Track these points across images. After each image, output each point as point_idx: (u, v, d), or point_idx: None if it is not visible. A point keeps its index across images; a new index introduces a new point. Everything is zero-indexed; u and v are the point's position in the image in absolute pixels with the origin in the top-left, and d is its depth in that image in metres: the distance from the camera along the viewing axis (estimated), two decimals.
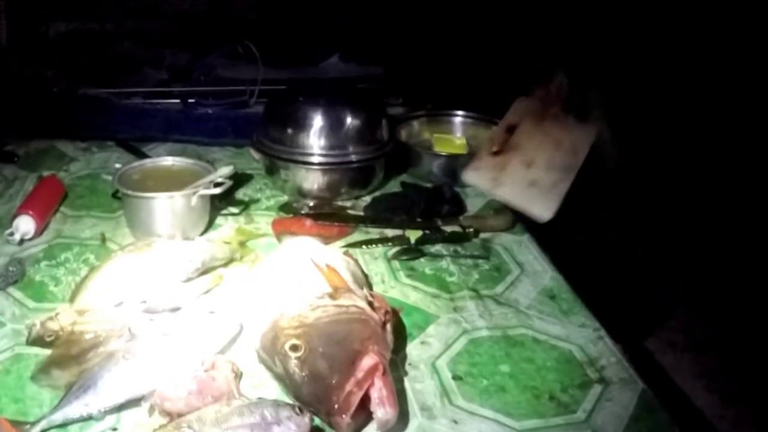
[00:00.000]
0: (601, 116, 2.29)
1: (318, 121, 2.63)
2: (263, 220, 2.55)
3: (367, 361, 1.62)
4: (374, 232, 2.51)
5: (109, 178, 2.39)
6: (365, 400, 1.59)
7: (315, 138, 2.63)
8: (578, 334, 2.04)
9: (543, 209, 2.13)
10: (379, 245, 2.43)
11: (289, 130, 2.65)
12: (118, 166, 2.45)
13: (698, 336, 4.25)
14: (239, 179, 2.72)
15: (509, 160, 2.14)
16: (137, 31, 4.08)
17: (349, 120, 2.67)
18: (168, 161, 2.55)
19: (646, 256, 2.50)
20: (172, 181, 2.39)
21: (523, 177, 2.09)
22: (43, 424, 1.61)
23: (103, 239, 2.41)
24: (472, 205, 2.72)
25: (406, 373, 1.85)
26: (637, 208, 2.41)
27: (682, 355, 4.06)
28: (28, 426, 1.60)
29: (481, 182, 2.12)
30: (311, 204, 2.63)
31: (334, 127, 2.64)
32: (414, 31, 3.83)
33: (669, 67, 2.24)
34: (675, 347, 4.10)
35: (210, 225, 2.49)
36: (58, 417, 1.63)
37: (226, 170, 2.41)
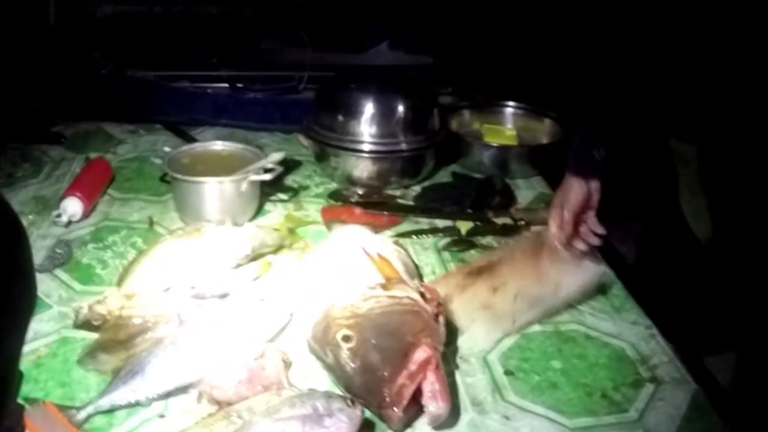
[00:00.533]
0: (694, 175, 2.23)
1: (369, 108, 2.61)
2: (312, 208, 2.54)
3: (420, 353, 1.60)
4: (424, 222, 2.49)
5: (158, 161, 2.38)
6: (417, 393, 1.57)
7: (366, 126, 2.61)
8: (630, 331, 2.01)
9: (479, 335, 2.04)
10: (430, 236, 2.41)
11: (340, 117, 2.64)
12: (167, 149, 2.44)
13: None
14: (288, 165, 2.70)
15: (477, 281, 2.09)
16: (186, 14, 4.06)
17: (400, 108, 2.65)
18: (218, 146, 2.54)
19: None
20: (221, 166, 2.38)
21: (481, 298, 2.04)
22: (89, 410, 1.60)
23: (151, 223, 2.40)
24: (523, 198, 2.70)
25: (457, 367, 1.82)
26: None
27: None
28: (74, 411, 1.59)
29: (441, 288, 2.06)
30: (361, 192, 2.62)
31: (385, 115, 2.62)
32: (464, 20, 3.79)
33: None
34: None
35: (259, 211, 2.47)
36: (105, 402, 1.62)
37: (276, 156, 2.39)
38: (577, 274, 2.08)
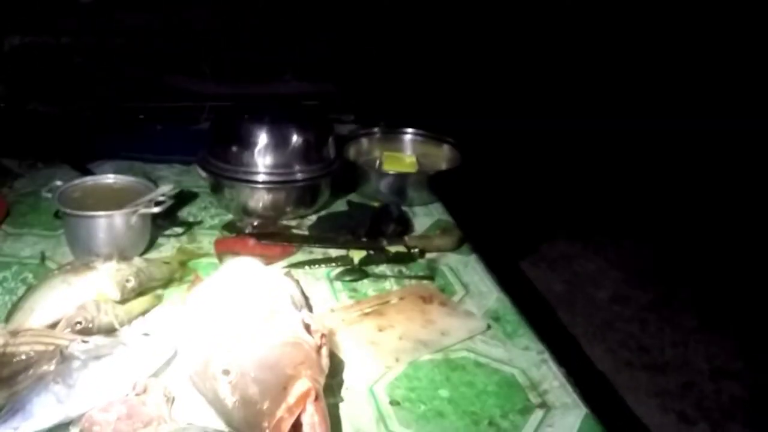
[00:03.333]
0: None
1: (262, 138, 2.61)
2: (206, 240, 2.53)
3: (300, 386, 1.60)
4: (318, 252, 2.50)
5: (49, 195, 2.35)
6: (297, 426, 1.56)
7: (259, 156, 2.61)
8: (521, 357, 2.02)
9: (363, 367, 2.05)
10: (322, 265, 2.41)
11: (234, 148, 2.63)
12: (59, 183, 2.42)
13: (655, 355, 4.27)
14: (184, 197, 2.71)
15: (364, 319, 2.11)
16: (93, 46, 4.05)
17: (294, 138, 2.65)
18: (109, 179, 2.52)
19: None
20: (113, 200, 2.37)
21: (367, 335, 2.06)
22: None
23: (43, 258, 2.38)
24: (421, 225, 2.71)
25: (341, 399, 1.83)
26: None
27: (639, 374, 4.07)
28: None
29: (329, 320, 2.07)
30: (255, 223, 2.61)
31: (278, 145, 2.63)
32: (366, 49, 3.82)
33: None
34: (632, 367, 4.11)
35: (151, 244, 2.46)
36: None
37: (165, 189, 2.39)
38: (464, 324, 2.11)
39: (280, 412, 1.56)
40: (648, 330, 4.40)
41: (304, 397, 1.58)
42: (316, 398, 1.59)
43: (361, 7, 4.01)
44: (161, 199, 2.36)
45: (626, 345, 4.24)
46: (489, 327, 2.13)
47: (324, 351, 1.75)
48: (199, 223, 2.67)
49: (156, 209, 2.34)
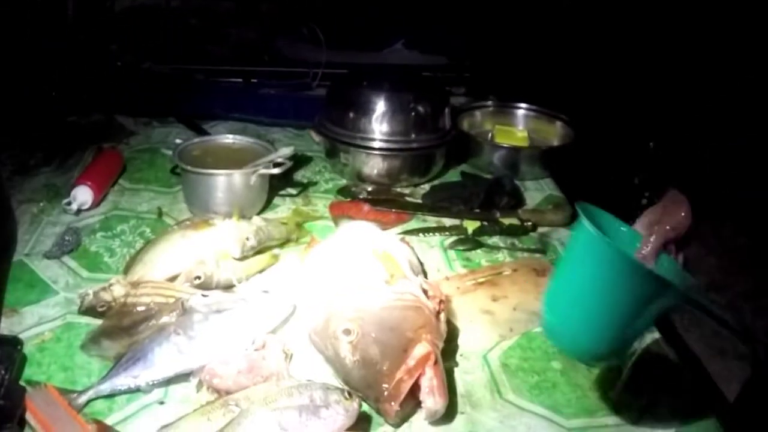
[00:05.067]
0: None
1: (380, 106, 2.62)
2: (321, 203, 2.55)
3: (419, 349, 1.61)
4: (431, 221, 2.50)
5: (169, 152, 2.38)
6: (415, 388, 1.58)
7: (376, 123, 2.62)
8: None
9: (478, 335, 2.02)
10: (436, 234, 2.42)
11: (351, 114, 2.65)
12: (178, 141, 2.44)
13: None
14: (299, 161, 2.72)
15: (478, 288, 2.09)
16: (202, 9, 4.06)
17: (411, 107, 2.66)
18: (228, 139, 2.55)
19: None
20: (231, 159, 2.40)
21: (481, 304, 2.03)
22: (90, 394, 1.62)
23: (160, 213, 2.42)
24: (531, 199, 2.70)
25: (457, 364, 1.83)
26: None
27: (731, 363, 4.01)
28: (75, 395, 1.61)
29: (444, 287, 2.04)
30: (369, 189, 2.63)
31: (396, 113, 2.63)
32: (479, 22, 3.79)
33: None
34: (725, 355, 4.04)
35: (268, 205, 2.49)
36: (106, 387, 1.64)
37: (286, 151, 2.40)
38: None
39: (400, 373, 1.58)
40: (743, 319, 4.32)
41: (423, 360, 1.59)
42: (435, 362, 1.60)
43: None
44: (280, 160, 2.38)
45: (720, 333, 4.17)
46: None
47: (442, 316, 1.76)
48: (315, 184, 2.70)
49: (276, 170, 2.36)
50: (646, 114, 2.26)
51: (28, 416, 1.54)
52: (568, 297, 1.57)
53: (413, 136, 2.65)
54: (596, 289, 1.51)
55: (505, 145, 2.90)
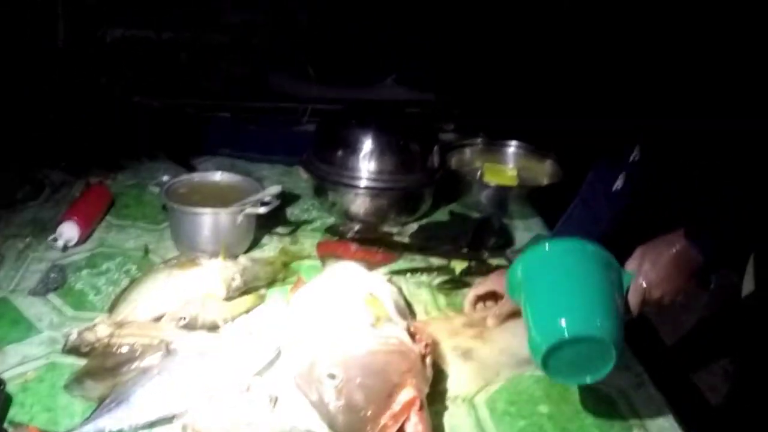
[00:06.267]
0: None
1: (368, 144, 2.61)
2: (308, 242, 2.54)
3: (405, 394, 1.61)
4: (419, 260, 2.49)
5: (157, 189, 2.38)
6: None
7: (364, 161, 2.61)
8: (620, 377, 1.98)
9: (464, 380, 2.03)
10: (424, 274, 2.40)
11: (339, 152, 2.64)
12: (165, 178, 2.44)
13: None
14: (287, 198, 2.71)
15: (467, 330, 2.10)
16: (194, 42, 4.07)
17: (399, 145, 2.66)
18: (216, 176, 2.55)
19: None
20: (219, 197, 2.39)
21: (470, 345, 2.04)
22: None
23: (147, 251, 2.41)
24: (520, 239, 2.69)
25: (444, 408, 1.81)
26: None
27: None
28: None
29: (432, 329, 2.06)
30: (357, 228, 2.61)
31: (383, 151, 2.62)
32: (469, 59, 3.80)
33: None
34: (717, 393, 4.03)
35: (255, 243, 2.48)
36: (89, 430, 1.62)
37: (274, 189, 2.39)
38: None
39: (385, 419, 1.57)
40: None
41: (409, 405, 1.59)
42: (420, 407, 1.60)
43: (465, 16, 3.98)
44: (268, 199, 2.37)
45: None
46: None
47: (428, 360, 1.75)
48: (303, 222, 2.69)
49: (263, 209, 2.35)
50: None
51: None
52: (560, 304, 1.71)
53: (401, 175, 2.65)
54: (583, 282, 1.73)
55: (493, 184, 2.89)
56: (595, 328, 1.65)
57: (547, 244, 1.85)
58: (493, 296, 2.16)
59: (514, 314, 2.11)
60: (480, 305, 2.19)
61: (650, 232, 1.90)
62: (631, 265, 1.82)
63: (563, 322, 1.66)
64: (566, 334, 1.65)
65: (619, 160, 2.18)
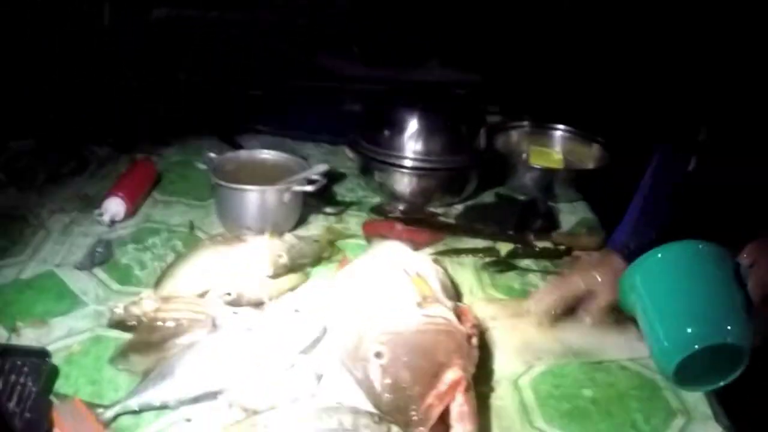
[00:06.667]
0: None
1: (414, 125, 2.61)
2: (354, 221, 2.54)
3: (451, 374, 1.59)
4: (465, 242, 2.48)
5: (203, 166, 2.38)
6: (445, 414, 1.56)
7: (411, 142, 2.60)
8: None
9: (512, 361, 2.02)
10: (469, 255, 2.39)
11: (386, 132, 2.63)
12: (212, 155, 2.44)
13: None
14: (332, 178, 2.71)
15: (512, 312, 2.09)
16: (241, 21, 4.07)
17: (446, 126, 2.65)
18: (263, 154, 2.55)
19: None
20: (265, 175, 2.39)
21: (514, 328, 2.03)
22: (117, 409, 1.60)
23: (192, 227, 2.41)
24: (566, 222, 2.68)
25: (490, 389, 1.81)
26: None
27: None
28: (102, 409, 1.59)
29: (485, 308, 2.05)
30: (403, 208, 2.61)
31: (430, 132, 2.62)
32: (516, 41, 3.78)
33: None
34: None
35: (301, 222, 2.48)
36: (134, 403, 1.62)
37: (321, 168, 2.39)
38: (620, 342, 2.04)
39: (431, 398, 1.56)
40: None
41: (454, 385, 1.58)
42: (466, 388, 1.59)
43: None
44: (315, 177, 2.37)
45: None
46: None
47: (474, 341, 1.74)
48: (349, 201, 2.69)
49: (310, 188, 2.35)
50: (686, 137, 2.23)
51: (56, 431, 1.53)
52: (686, 313, 1.71)
53: (448, 156, 2.64)
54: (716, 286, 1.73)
55: (539, 167, 2.88)
56: (726, 334, 1.63)
57: (660, 252, 1.81)
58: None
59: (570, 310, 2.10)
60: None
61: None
62: (744, 261, 1.79)
63: (693, 331, 1.66)
64: (696, 345, 1.64)
65: (688, 141, 2.15)
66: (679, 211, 2.13)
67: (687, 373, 1.67)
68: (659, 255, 1.80)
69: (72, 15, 3.17)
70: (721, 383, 1.69)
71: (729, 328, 1.64)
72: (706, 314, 1.69)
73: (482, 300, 2.17)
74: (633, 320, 1.93)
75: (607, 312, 2.05)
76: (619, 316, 2.02)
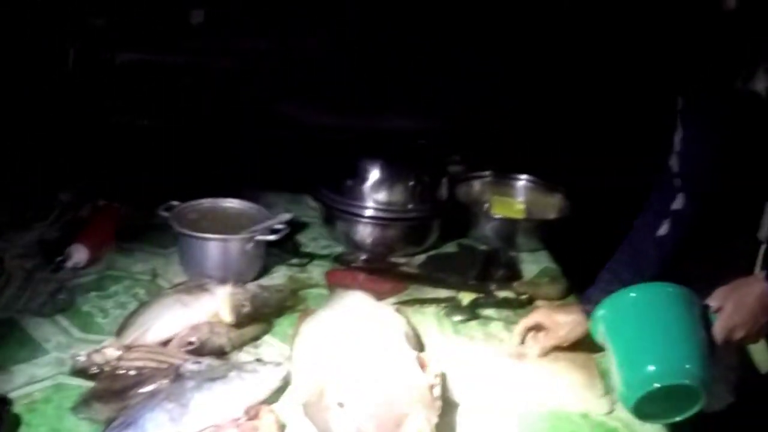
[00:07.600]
0: None
1: (377, 174, 2.63)
2: (317, 270, 2.54)
3: (413, 425, 1.60)
4: (427, 291, 2.48)
5: (166, 214, 2.38)
6: None
7: (373, 192, 2.62)
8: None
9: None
10: (432, 305, 2.40)
11: (348, 182, 2.65)
12: (174, 203, 2.44)
13: None
14: (295, 226, 2.70)
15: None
16: (205, 67, 4.08)
17: (407, 176, 2.67)
18: (226, 203, 2.55)
19: None
20: (228, 224, 2.40)
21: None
22: None
23: (155, 275, 2.41)
24: (528, 271, 2.69)
25: None
26: None
27: None
28: None
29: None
30: (365, 257, 2.61)
31: (392, 182, 2.64)
32: (479, 92, 3.81)
33: None
34: None
35: (264, 271, 2.48)
36: None
37: (284, 217, 2.41)
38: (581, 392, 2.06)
39: None
40: None
41: None
42: None
43: (475, 48, 3.99)
44: (278, 226, 2.37)
45: None
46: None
47: (437, 391, 1.74)
48: (311, 251, 2.69)
49: (272, 237, 2.36)
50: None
51: None
52: (648, 351, 1.77)
53: (409, 206, 2.66)
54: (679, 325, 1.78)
55: (501, 217, 2.90)
56: (684, 374, 1.69)
57: (631, 291, 1.86)
58: (538, 328, 2.17)
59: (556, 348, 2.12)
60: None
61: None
62: (713, 304, 1.85)
63: (655, 369, 1.72)
64: (656, 384, 1.69)
65: (665, 206, 2.19)
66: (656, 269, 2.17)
67: (648, 406, 1.72)
68: (632, 294, 1.85)
69: (36, 59, 3.17)
70: (677, 418, 1.75)
71: (688, 368, 1.69)
72: (667, 354, 1.74)
73: (444, 349, 2.17)
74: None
75: (551, 351, 2.12)
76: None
